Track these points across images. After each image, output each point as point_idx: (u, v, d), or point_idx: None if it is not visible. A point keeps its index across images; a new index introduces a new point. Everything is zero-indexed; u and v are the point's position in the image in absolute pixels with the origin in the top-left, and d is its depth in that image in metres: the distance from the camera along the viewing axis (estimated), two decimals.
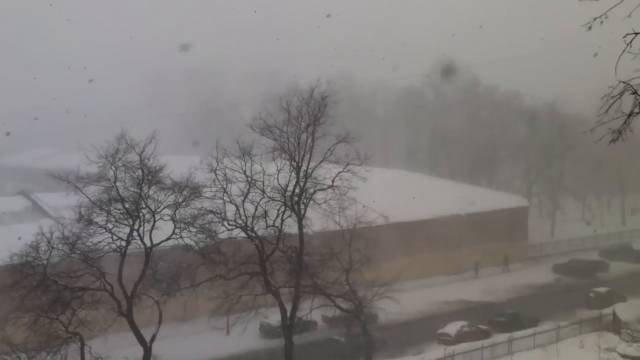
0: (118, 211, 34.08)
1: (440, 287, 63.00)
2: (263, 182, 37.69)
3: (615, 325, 47.54)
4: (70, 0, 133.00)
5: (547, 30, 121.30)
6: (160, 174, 34.94)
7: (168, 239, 34.99)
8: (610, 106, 9.85)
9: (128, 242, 34.04)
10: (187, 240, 35.39)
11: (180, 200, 35.14)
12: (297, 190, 38.32)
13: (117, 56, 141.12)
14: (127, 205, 34.03)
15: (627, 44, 9.69)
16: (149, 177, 34.33)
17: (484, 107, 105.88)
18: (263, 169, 37.57)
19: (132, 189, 34.45)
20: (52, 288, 32.06)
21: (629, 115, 10.00)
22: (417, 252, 64.88)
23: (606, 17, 9.73)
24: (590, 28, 9.98)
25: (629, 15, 9.80)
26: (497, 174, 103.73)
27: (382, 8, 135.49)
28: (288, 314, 38.22)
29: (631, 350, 38.30)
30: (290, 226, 39.11)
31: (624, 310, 49.35)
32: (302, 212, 38.70)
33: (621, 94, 9.82)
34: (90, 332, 33.57)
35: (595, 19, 9.88)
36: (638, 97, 9.84)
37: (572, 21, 10.23)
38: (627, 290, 58.04)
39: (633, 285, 60.51)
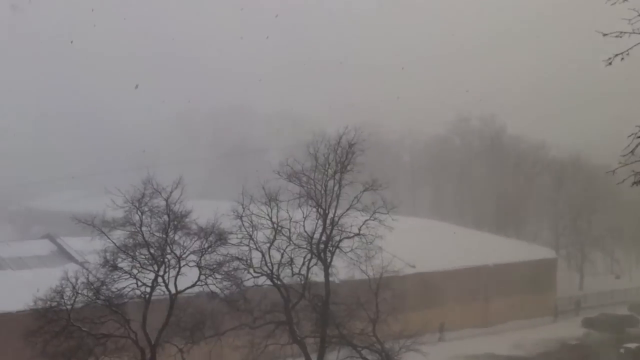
0: (143, 256, 33.63)
1: (468, 340, 61.59)
2: (289, 229, 37.38)
3: None
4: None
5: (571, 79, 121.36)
6: (186, 219, 34.57)
7: (193, 285, 34.44)
8: (636, 146, 9.28)
9: (153, 288, 33.48)
10: (213, 287, 34.89)
11: (206, 246, 34.62)
12: (323, 238, 37.91)
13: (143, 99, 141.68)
14: (152, 251, 33.59)
15: None
16: (175, 223, 33.94)
17: (510, 156, 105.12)
18: (289, 216, 37.28)
19: (157, 234, 33.99)
20: (76, 334, 31.54)
21: None
22: (444, 303, 63.62)
23: (627, 54, 9.33)
24: (610, 63, 9.61)
25: None
26: (524, 224, 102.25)
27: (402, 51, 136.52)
28: None
29: None
30: (317, 274, 38.61)
31: None
32: (329, 260, 38.23)
33: None
34: None
35: (616, 55, 9.49)
36: None
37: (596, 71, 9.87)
38: None
39: None
